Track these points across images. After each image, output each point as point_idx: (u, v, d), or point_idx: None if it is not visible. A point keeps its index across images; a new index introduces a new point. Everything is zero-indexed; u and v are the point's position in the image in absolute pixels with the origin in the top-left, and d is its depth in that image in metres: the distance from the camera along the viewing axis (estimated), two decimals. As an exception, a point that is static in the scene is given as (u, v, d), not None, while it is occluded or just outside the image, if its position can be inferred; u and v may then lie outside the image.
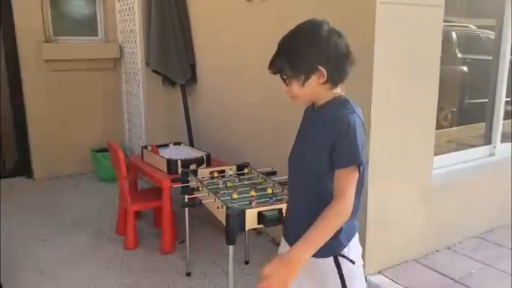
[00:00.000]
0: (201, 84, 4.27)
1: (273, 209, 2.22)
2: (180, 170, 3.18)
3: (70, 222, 3.80)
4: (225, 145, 3.87)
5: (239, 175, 2.85)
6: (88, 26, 5.03)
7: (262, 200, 2.39)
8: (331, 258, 1.45)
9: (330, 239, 1.37)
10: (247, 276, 2.93)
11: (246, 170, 2.91)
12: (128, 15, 4.75)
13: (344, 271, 1.46)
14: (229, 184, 2.66)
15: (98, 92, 5.10)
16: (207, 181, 2.70)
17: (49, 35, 4.80)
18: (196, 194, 2.53)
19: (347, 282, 1.46)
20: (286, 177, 2.68)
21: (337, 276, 1.45)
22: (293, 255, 1.29)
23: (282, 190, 2.51)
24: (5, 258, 3.10)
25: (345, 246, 1.45)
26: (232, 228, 2.11)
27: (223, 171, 2.87)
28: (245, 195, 2.45)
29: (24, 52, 4.66)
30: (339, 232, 1.40)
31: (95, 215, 3.95)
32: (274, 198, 2.40)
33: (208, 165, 3.35)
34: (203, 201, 2.44)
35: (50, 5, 4.77)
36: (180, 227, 3.33)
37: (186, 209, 2.80)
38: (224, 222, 2.15)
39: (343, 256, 1.45)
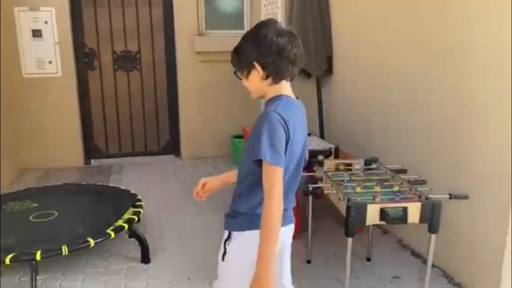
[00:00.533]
0: (337, 76, 4.27)
1: (397, 207, 2.15)
2: (307, 159, 3.25)
3: (207, 199, 4.15)
4: (355, 138, 3.83)
5: (366, 169, 2.81)
6: (235, 20, 5.40)
7: (387, 197, 2.33)
8: (227, 232, 1.66)
9: (231, 218, 1.64)
10: (367, 273, 2.90)
11: (374, 165, 2.85)
12: (272, 8, 4.96)
13: (228, 247, 1.65)
14: (354, 177, 2.64)
15: (238, 83, 5.44)
16: (332, 173, 2.73)
17: (201, 29, 5.29)
18: (320, 184, 2.58)
19: (226, 256, 1.66)
20: (417, 176, 2.58)
21: (223, 246, 1.66)
22: (257, 273, 1.45)
23: (410, 189, 2.41)
24: (153, 223, 3.59)
25: (235, 230, 1.62)
26: (352, 221, 2.11)
27: (350, 165, 2.86)
28: (369, 190, 2.42)
29: (180, 44, 5.22)
30: (236, 216, 1.63)
31: (228, 195, 4.26)
32: (400, 196, 2.33)
33: (336, 157, 3.35)
34: (325, 192, 2.48)
35: (205, 1, 5.25)
36: (305, 215, 3.42)
37: (310, 198, 2.87)
38: (344, 214, 2.17)
39: (229, 236, 1.64)
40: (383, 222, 2.16)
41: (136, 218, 2.97)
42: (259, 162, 1.46)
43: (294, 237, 3.39)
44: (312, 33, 4.18)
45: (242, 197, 1.64)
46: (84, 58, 5.07)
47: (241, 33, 5.55)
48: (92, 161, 5.32)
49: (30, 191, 3.55)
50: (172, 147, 5.57)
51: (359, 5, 3.80)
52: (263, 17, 5.28)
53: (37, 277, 2.54)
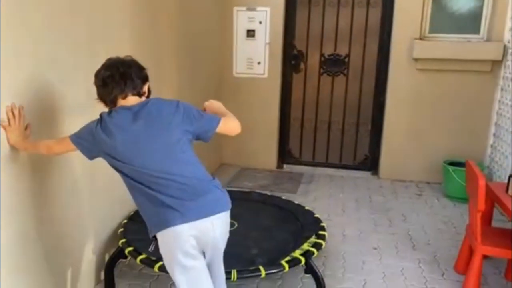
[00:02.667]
0: None
1: None
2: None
3: (403, 235, 3.48)
4: None
5: None
6: (469, 22, 4.42)
7: None
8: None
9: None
10: None
11: None
12: (524, 8, 3.85)
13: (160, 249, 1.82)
14: None
15: (464, 97, 4.48)
16: None
17: (423, 32, 4.52)
18: None
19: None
20: None
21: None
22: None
23: None
24: (335, 254, 3.11)
25: (154, 232, 1.78)
26: None
27: None
28: None
29: (395, 49, 4.55)
30: (148, 220, 1.81)
31: (432, 235, 3.48)
32: None
33: None
34: None
35: (432, 1, 4.45)
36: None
37: None
38: None
39: (155, 238, 1.81)
40: None
41: (316, 252, 2.53)
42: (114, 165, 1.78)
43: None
44: None
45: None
46: (291, 60, 4.90)
47: (474, 38, 4.47)
48: (284, 165, 5.16)
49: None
50: (370, 164, 4.97)
51: None
52: (508, 20, 4.18)
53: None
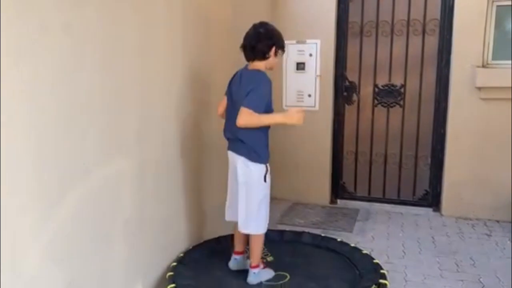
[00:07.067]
0: None
1: None
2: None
3: (474, 282, 3.14)
4: None
5: None
6: (536, 47, 4.11)
7: None
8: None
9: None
10: None
11: None
12: None
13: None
14: None
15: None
16: None
17: (486, 59, 4.23)
18: None
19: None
20: None
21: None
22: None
23: None
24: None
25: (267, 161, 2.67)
26: None
27: None
28: None
29: (456, 77, 4.30)
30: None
31: (508, 283, 3.11)
32: None
33: None
34: None
35: (495, 27, 4.18)
36: None
37: None
38: None
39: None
40: None
41: (377, 305, 2.31)
42: None
43: None
44: None
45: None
46: (343, 91, 4.76)
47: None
48: (338, 201, 4.93)
49: (269, 235, 3.31)
50: (431, 200, 4.64)
51: None
52: None
53: None
